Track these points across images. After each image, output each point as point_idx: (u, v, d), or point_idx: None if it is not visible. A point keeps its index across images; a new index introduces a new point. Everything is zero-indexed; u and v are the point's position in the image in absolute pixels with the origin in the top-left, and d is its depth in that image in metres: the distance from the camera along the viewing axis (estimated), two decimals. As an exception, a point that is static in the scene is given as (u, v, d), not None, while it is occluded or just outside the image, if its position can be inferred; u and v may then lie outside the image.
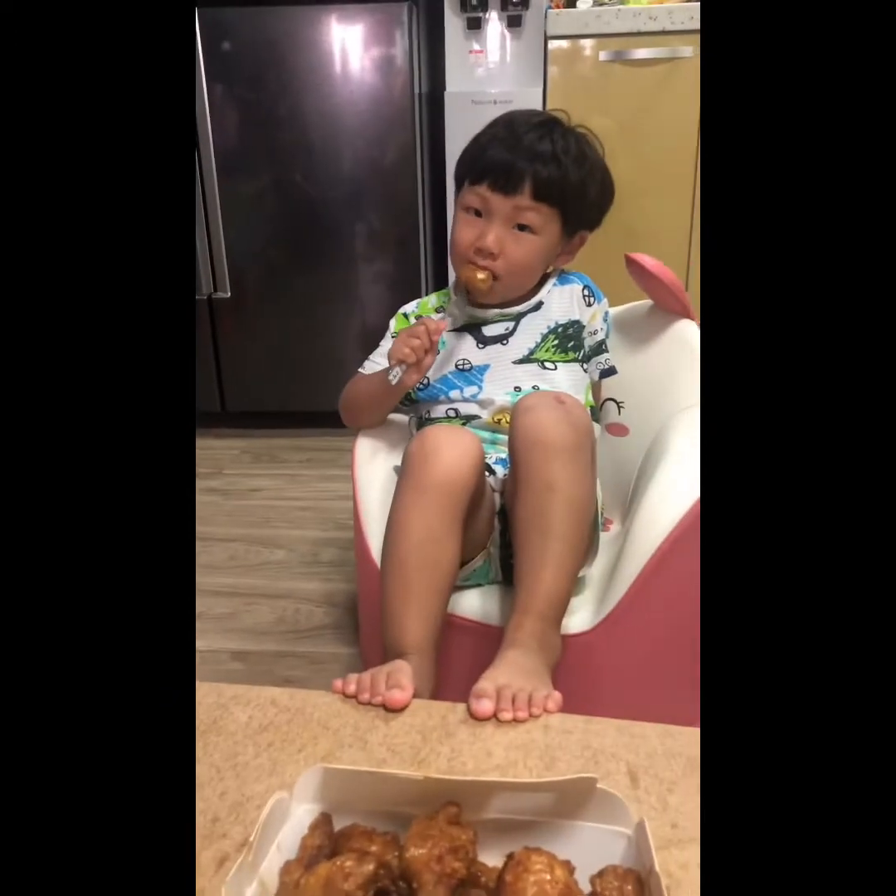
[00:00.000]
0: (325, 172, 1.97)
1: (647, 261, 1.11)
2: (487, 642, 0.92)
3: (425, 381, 1.09)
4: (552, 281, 1.11)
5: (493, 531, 0.98)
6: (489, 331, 1.09)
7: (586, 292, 1.12)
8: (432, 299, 1.17)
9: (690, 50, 1.87)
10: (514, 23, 1.91)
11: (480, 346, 1.09)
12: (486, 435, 1.05)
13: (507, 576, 0.99)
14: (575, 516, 0.85)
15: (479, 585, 1.01)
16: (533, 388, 1.05)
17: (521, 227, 1.02)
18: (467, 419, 1.07)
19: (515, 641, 0.79)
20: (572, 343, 1.09)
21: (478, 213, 1.03)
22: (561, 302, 1.10)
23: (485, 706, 0.66)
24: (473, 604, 0.98)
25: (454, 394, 1.08)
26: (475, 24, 1.93)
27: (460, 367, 1.09)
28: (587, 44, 1.91)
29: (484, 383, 1.07)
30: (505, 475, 1.00)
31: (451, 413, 1.08)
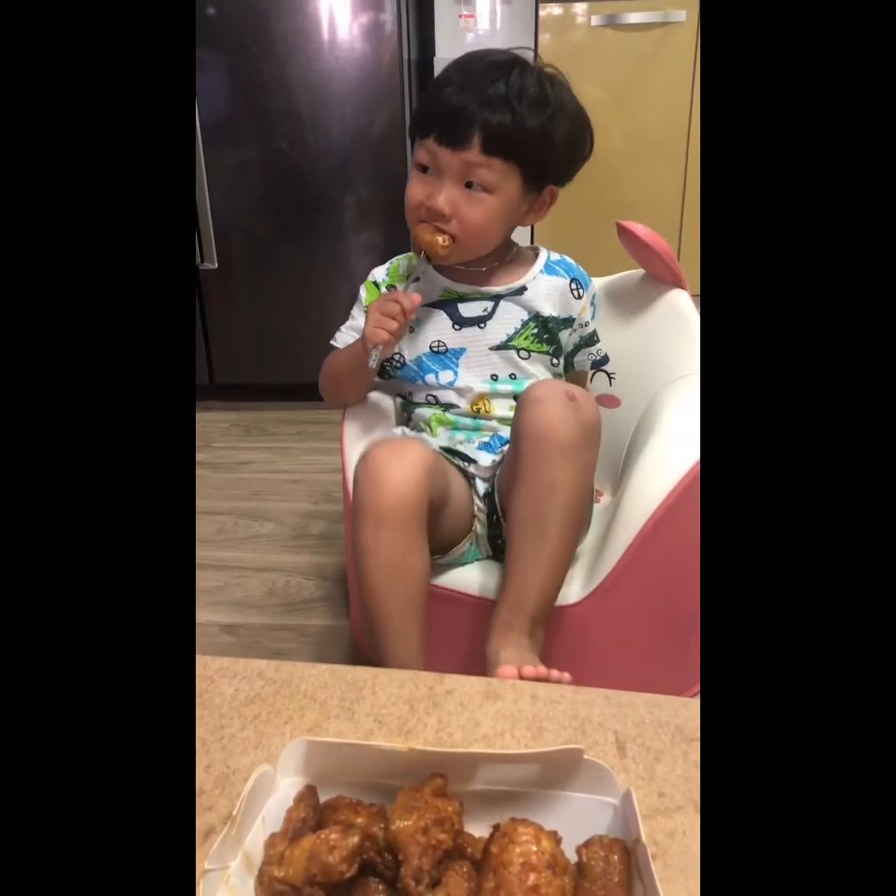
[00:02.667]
0: (313, 141, 1.94)
1: (639, 229, 1.10)
2: (479, 614, 0.92)
3: (400, 360, 1.05)
4: (539, 267, 1.03)
5: (479, 512, 0.98)
6: (466, 310, 1.02)
7: (574, 286, 1.04)
8: (403, 263, 1.09)
9: (684, 14, 1.84)
10: (504, -14, 1.88)
11: (456, 327, 1.02)
12: (468, 421, 1.03)
13: (496, 553, 0.99)
14: (572, 517, 0.85)
15: (468, 563, 1.00)
16: (509, 376, 1.02)
17: (475, 185, 0.92)
18: (447, 407, 1.04)
19: (507, 643, 0.80)
20: (548, 336, 1.03)
21: (428, 170, 0.94)
22: (547, 292, 1.02)
23: (509, 670, 0.71)
24: (463, 577, 0.98)
25: (430, 379, 1.03)
26: (465, -12, 1.89)
27: (435, 348, 1.03)
28: (579, 7, 1.88)
29: (459, 369, 1.02)
30: (493, 461, 0.99)
31: (431, 399, 1.04)
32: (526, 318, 1.01)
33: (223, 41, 1.87)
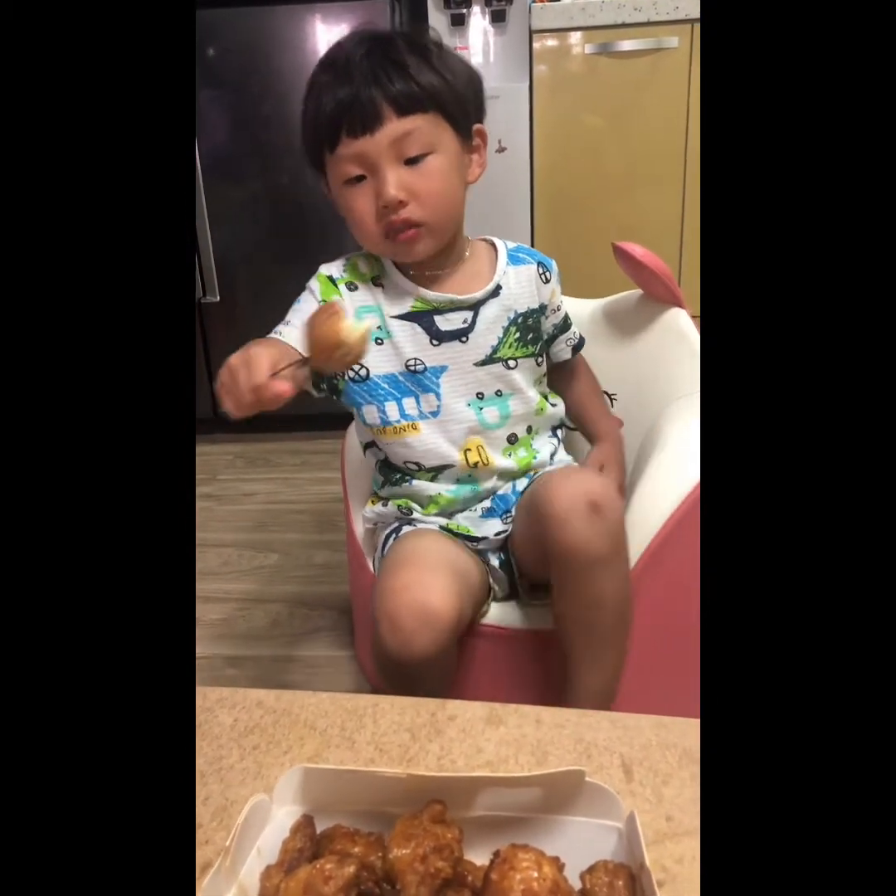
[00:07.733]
0: (313, 174, 1.95)
1: (636, 250, 1.10)
2: (504, 644, 0.91)
3: (364, 372, 0.92)
4: (504, 260, 0.96)
5: (496, 583, 0.96)
6: (444, 324, 0.92)
7: (541, 270, 0.97)
8: (361, 262, 0.95)
9: (676, 40, 1.86)
10: (497, 18, 1.90)
11: (435, 342, 0.92)
12: (467, 489, 0.95)
13: (515, 592, 0.98)
14: (624, 622, 0.84)
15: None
16: (495, 393, 0.94)
17: (414, 160, 0.84)
18: (436, 471, 0.94)
19: None
20: (532, 335, 0.96)
21: (361, 179, 0.85)
22: (519, 286, 0.96)
23: None
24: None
25: (408, 403, 0.92)
26: (459, 21, 1.92)
27: (411, 367, 0.91)
28: (572, 37, 1.90)
29: (441, 390, 0.92)
30: (500, 532, 0.94)
31: (412, 466, 0.94)
32: (506, 323, 0.94)
33: (224, 80, 1.90)
